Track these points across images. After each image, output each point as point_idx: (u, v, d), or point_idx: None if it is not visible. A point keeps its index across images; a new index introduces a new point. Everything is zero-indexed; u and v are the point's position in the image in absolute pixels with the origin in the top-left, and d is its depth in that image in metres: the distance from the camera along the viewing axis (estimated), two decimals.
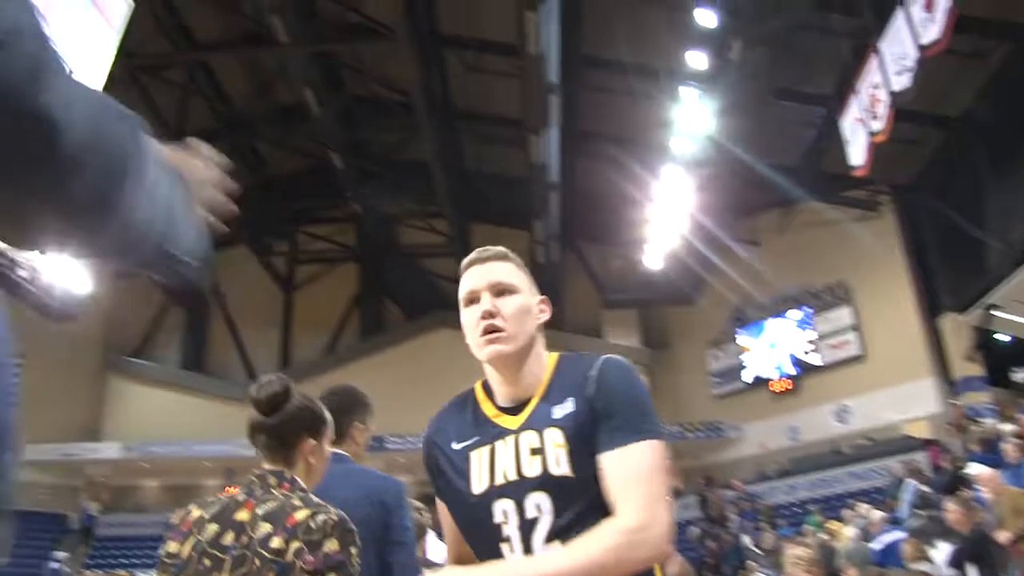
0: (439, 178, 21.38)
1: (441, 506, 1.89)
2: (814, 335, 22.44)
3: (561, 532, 1.65)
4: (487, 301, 1.79)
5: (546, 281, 25.34)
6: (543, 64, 15.85)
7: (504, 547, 1.71)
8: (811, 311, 22.61)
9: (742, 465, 22.65)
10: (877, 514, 10.73)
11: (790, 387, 22.96)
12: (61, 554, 23.30)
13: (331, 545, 1.73)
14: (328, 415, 2.08)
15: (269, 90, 22.27)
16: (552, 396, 1.76)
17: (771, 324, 23.58)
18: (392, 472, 3.01)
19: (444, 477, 1.83)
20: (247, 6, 18.44)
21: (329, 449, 2.08)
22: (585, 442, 1.67)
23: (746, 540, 16.89)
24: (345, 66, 20.87)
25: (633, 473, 1.63)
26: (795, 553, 6.22)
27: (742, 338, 24.16)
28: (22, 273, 22.59)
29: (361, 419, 2.88)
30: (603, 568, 1.54)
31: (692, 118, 16.52)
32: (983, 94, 16.06)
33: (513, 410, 1.80)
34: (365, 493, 2.57)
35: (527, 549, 1.68)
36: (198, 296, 27.90)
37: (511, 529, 1.70)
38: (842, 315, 21.87)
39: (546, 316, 1.88)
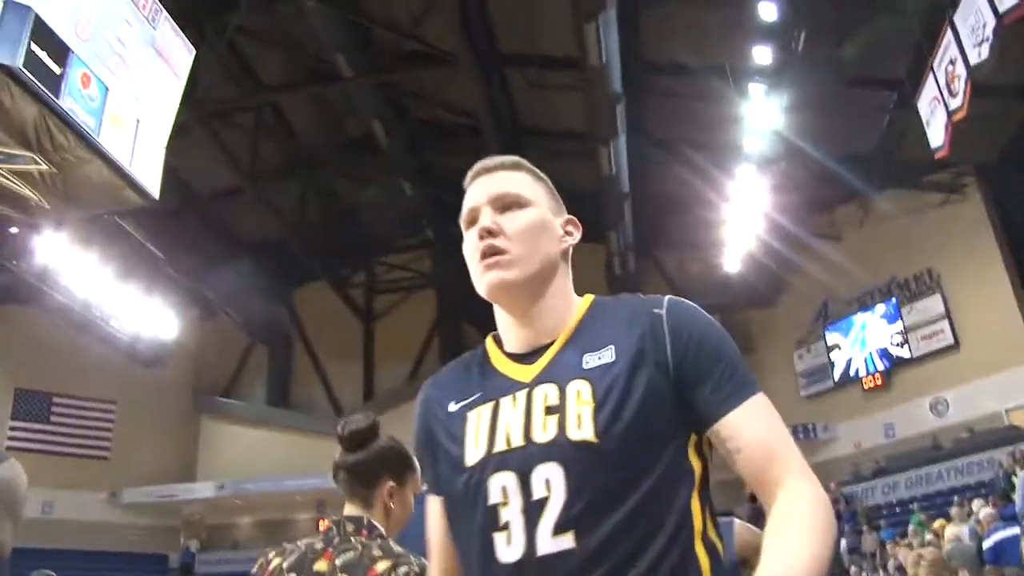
0: None
1: (429, 503, 1.51)
2: (903, 327, 21.81)
3: (574, 521, 1.23)
4: (487, 217, 1.45)
5: (623, 292, 25.15)
6: (606, 74, 15.77)
7: (498, 539, 1.27)
8: (899, 302, 22.00)
9: (836, 466, 22.02)
10: (986, 510, 10.23)
11: (881, 383, 22.35)
12: None
13: None
14: (416, 462, 1.87)
15: (337, 124, 22.61)
16: (583, 340, 1.38)
17: (858, 319, 23.02)
18: None
19: (436, 452, 1.43)
20: (310, 45, 18.78)
21: (411, 497, 1.94)
22: (624, 401, 1.27)
23: (843, 545, 16.46)
24: (409, 94, 21.09)
25: (776, 432, 1.33)
26: (920, 554, 6.00)
27: (829, 336, 23.62)
28: (113, 323, 23.40)
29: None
30: (832, 546, 1.22)
31: (761, 115, 16.26)
32: None
33: (527, 357, 1.41)
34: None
35: (529, 542, 1.24)
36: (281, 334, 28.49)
37: (511, 513, 1.26)
38: (932, 304, 21.21)
39: (573, 239, 1.51)
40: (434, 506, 1.47)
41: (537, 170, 1.56)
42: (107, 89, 6.30)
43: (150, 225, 21.46)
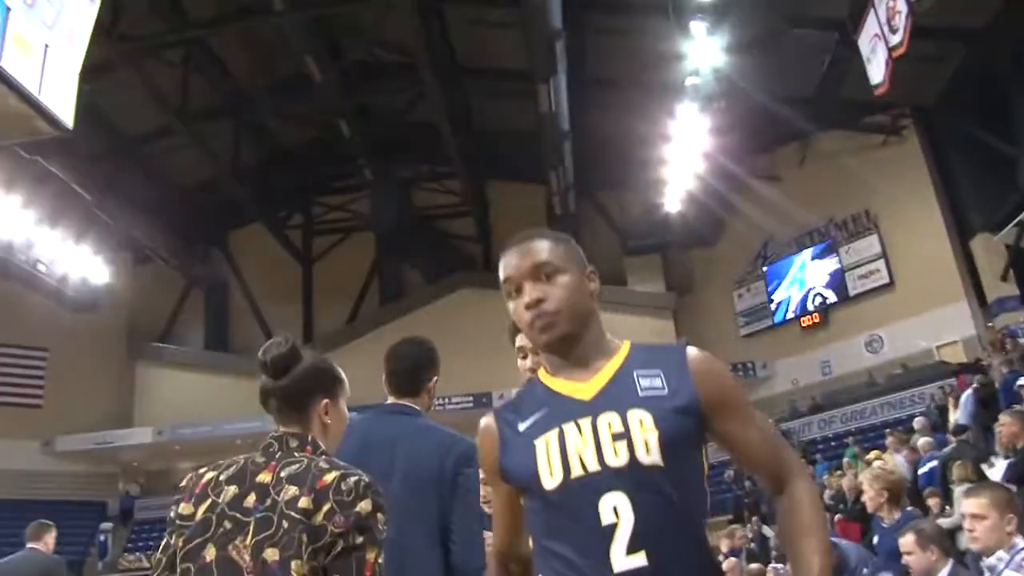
0: (448, 137, 21.05)
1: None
2: (841, 267, 22.07)
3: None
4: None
5: (565, 232, 25.05)
6: (545, 10, 15.42)
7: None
8: (836, 243, 22.22)
9: (775, 403, 22.42)
10: (924, 439, 10.41)
11: (819, 321, 22.70)
12: (107, 525, 23.81)
13: (364, 506, 1.65)
14: (341, 372, 1.96)
15: (270, 62, 21.88)
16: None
17: (797, 259, 23.24)
18: None
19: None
20: None
21: (346, 409, 1.96)
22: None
23: None
24: (344, 30, 20.42)
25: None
26: (881, 469, 6.03)
27: (768, 275, 23.82)
28: (40, 267, 22.67)
29: (437, 372, 2.79)
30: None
31: (702, 53, 16.05)
32: (1009, 2, 15.48)
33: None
34: (435, 447, 2.52)
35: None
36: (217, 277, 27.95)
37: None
38: (869, 244, 21.50)
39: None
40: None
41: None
42: (8, 9, 5.83)
43: (79, 168, 20.62)
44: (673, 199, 21.76)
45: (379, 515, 1.67)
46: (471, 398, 22.71)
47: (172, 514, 1.74)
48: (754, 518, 13.64)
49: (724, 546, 11.60)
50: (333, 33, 20.15)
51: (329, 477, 1.67)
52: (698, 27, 15.46)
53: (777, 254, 23.80)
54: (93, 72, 18.12)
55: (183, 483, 1.79)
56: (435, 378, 2.76)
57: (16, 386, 24.76)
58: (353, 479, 1.67)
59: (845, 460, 13.58)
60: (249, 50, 21.48)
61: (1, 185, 19.21)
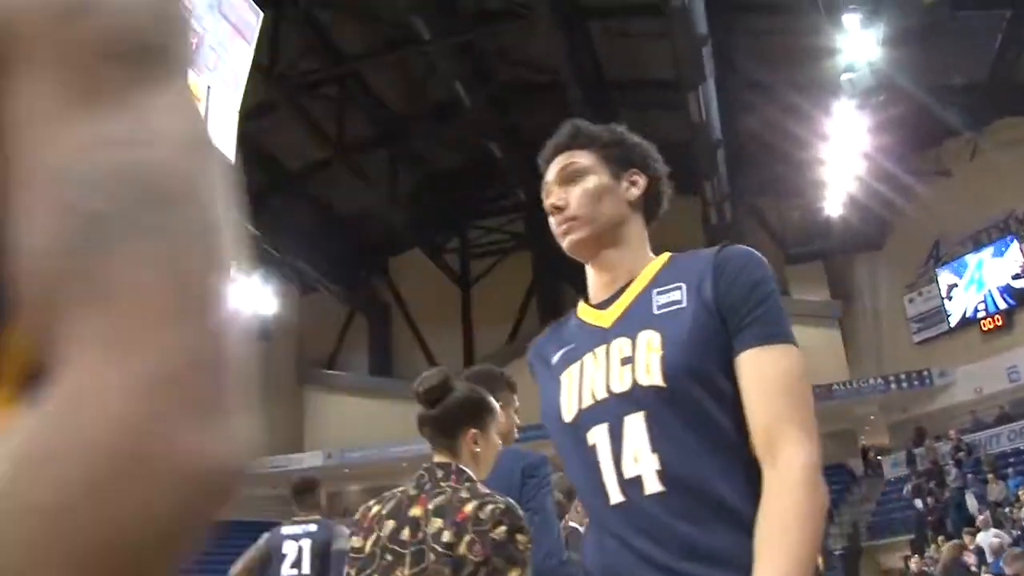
0: None
1: None
2: None
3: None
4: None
5: (722, 243, 24.50)
6: (690, 16, 15.21)
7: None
8: (1020, 238, 20.78)
9: (956, 413, 21.14)
10: None
11: (1002, 324, 21.28)
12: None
13: (500, 531, 1.77)
14: (494, 403, 2.09)
15: (421, 90, 22.46)
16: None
17: (973, 258, 21.90)
18: None
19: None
20: (386, 11, 18.64)
21: (497, 438, 2.10)
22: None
23: (970, 494, 15.76)
24: (490, 54, 20.79)
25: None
26: None
27: (942, 277, 22.53)
28: None
29: (505, 400, 2.78)
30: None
31: (858, 47, 15.41)
32: None
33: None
34: (505, 467, 2.54)
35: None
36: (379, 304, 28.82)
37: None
38: None
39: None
40: None
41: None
42: None
43: (246, 204, 21.73)
44: (834, 202, 20.91)
45: (518, 536, 1.78)
46: None
47: (348, 546, 1.96)
48: (940, 537, 12.74)
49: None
50: (480, 57, 20.54)
51: (468, 508, 1.80)
52: (851, 20, 14.86)
53: (951, 254, 22.50)
54: (256, 111, 19.23)
55: (357, 516, 1.99)
56: (506, 402, 2.76)
57: None
58: (490, 507, 1.79)
59: None
60: (401, 80, 22.10)
61: None
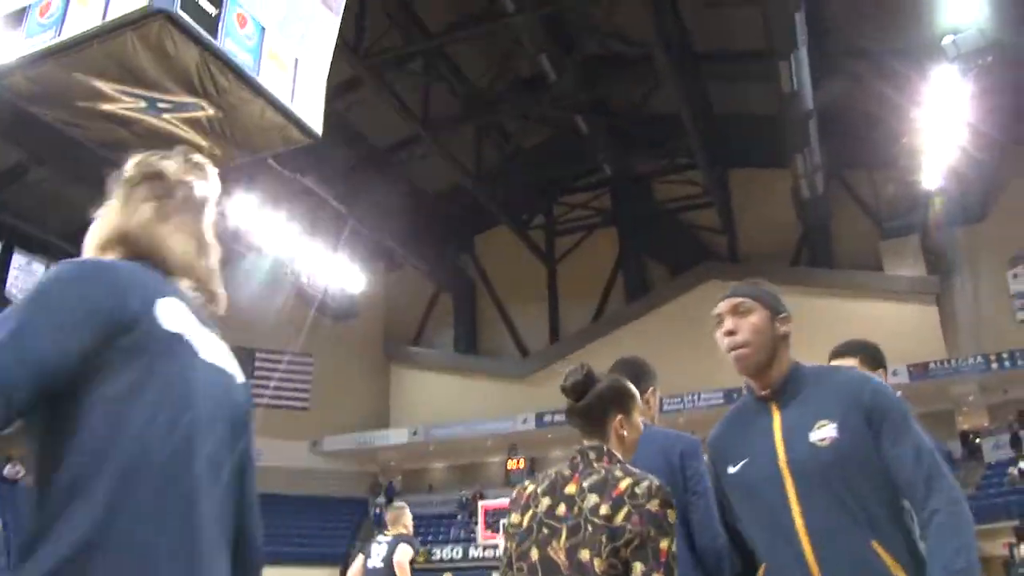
0: (688, 127, 20.59)
1: None
2: None
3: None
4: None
5: (813, 218, 23.91)
6: None
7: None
8: None
9: None
10: None
11: None
12: (381, 499, 25.71)
13: (654, 504, 1.90)
14: (634, 388, 2.23)
15: (506, 65, 22.33)
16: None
17: None
18: None
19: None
20: None
21: (639, 419, 2.23)
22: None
23: None
24: (576, 25, 20.51)
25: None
26: None
27: None
28: (304, 280, 24.37)
29: (650, 386, 3.05)
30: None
31: (962, 8, 14.73)
32: None
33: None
34: (659, 449, 2.71)
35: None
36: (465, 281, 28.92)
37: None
38: None
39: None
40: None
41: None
42: (263, 28, 6.23)
43: (332, 182, 22.04)
44: (932, 174, 20.13)
45: (668, 511, 1.92)
46: (721, 393, 22.08)
47: (506, 522, 2.14)
48: None
49: None
50: (565, 29, 20.28)
51: (624, 484, 1.95)
52: None
53: None
54: (343, 88, 19.37)
55: (513, 495, 2.18)
56: (651, 388, 3.05)
57: (288, 390, 26.74)
58: (645, 483, 1.94)
59: None
60: (485, 54, 21.99)
61: (268, 202, 20.75)
